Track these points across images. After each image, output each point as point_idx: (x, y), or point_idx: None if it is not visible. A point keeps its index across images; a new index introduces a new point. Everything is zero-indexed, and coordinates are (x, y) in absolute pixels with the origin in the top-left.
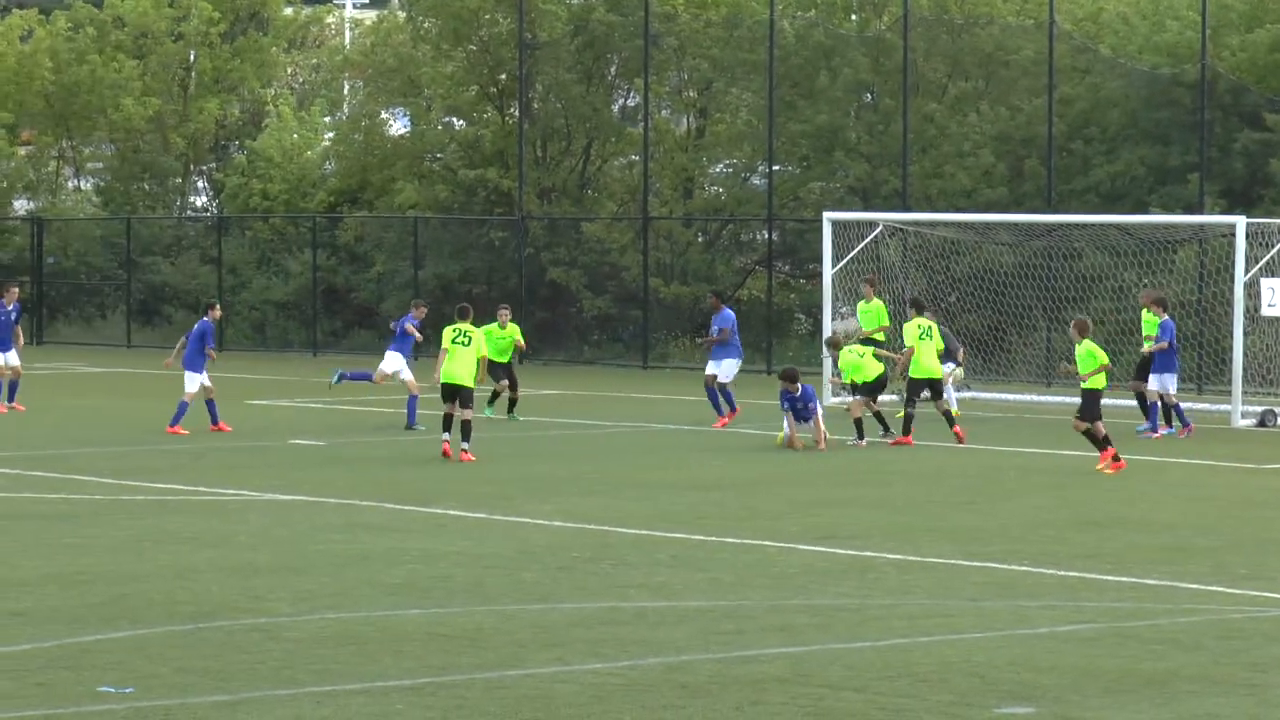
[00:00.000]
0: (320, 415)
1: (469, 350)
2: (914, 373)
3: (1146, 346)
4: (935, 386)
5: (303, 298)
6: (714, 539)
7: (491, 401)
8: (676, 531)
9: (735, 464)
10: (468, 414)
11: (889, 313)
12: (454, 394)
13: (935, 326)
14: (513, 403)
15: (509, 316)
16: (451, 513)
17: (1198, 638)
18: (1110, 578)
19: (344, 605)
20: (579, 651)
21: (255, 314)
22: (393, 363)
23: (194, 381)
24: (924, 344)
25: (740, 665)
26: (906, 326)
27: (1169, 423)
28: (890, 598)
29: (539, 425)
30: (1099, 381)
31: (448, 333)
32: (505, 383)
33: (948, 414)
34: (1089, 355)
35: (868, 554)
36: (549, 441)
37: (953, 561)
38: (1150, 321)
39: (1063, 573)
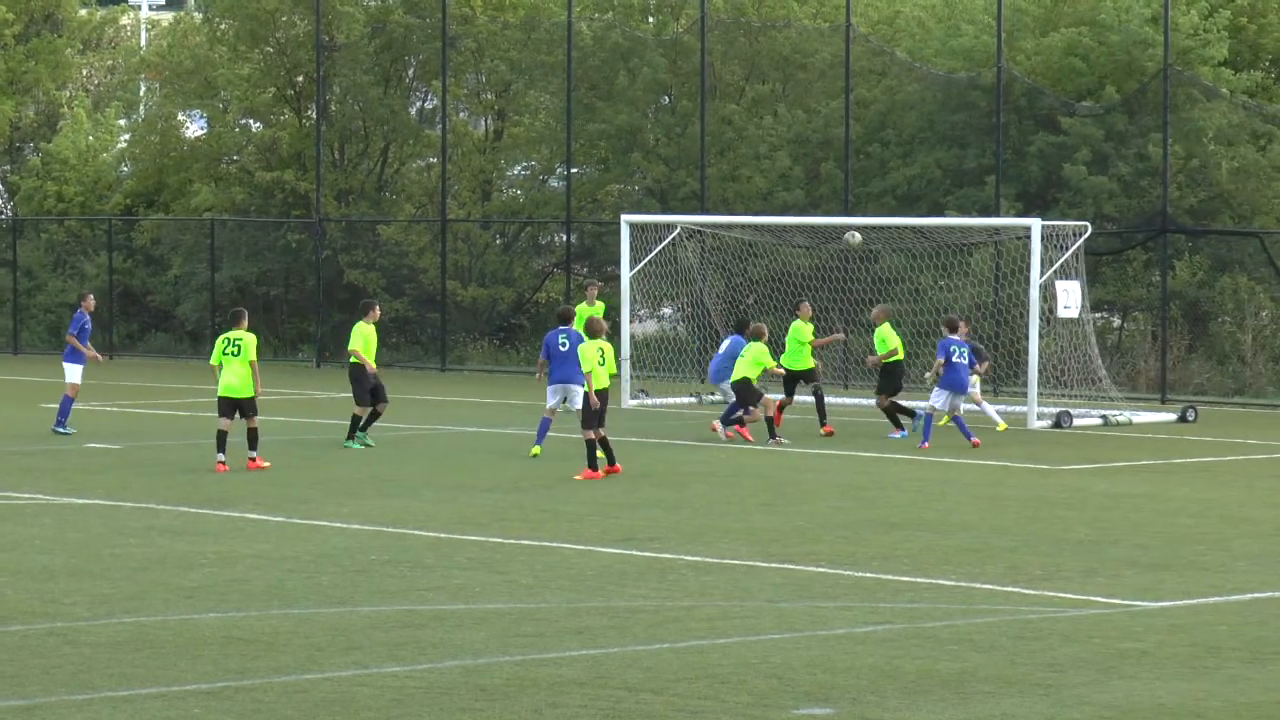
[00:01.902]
0: (116, 418)
1: (240, 359)
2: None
3: (878, 358)
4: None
5: (98, 300)
6: (512, 541)
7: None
8: (475, 534)
9: (534, 466)
10: (253, 422)
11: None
12: (233, 407)
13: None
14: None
15: (596, 293)
16: (248, 516)
17: (994, 638)
18: (907, 578)
19: (140, 609)
20: (377, 654)
21: (51, 317)
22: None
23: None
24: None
25: (539, 667)
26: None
27: (900, 427)
28: (688, 599)
29: (337, 429)
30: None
31: (218, 344)
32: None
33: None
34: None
35: (666, 556)
36: (345, 445)
37: (750, 563)
38: (884, 339)
39: (860, 574)
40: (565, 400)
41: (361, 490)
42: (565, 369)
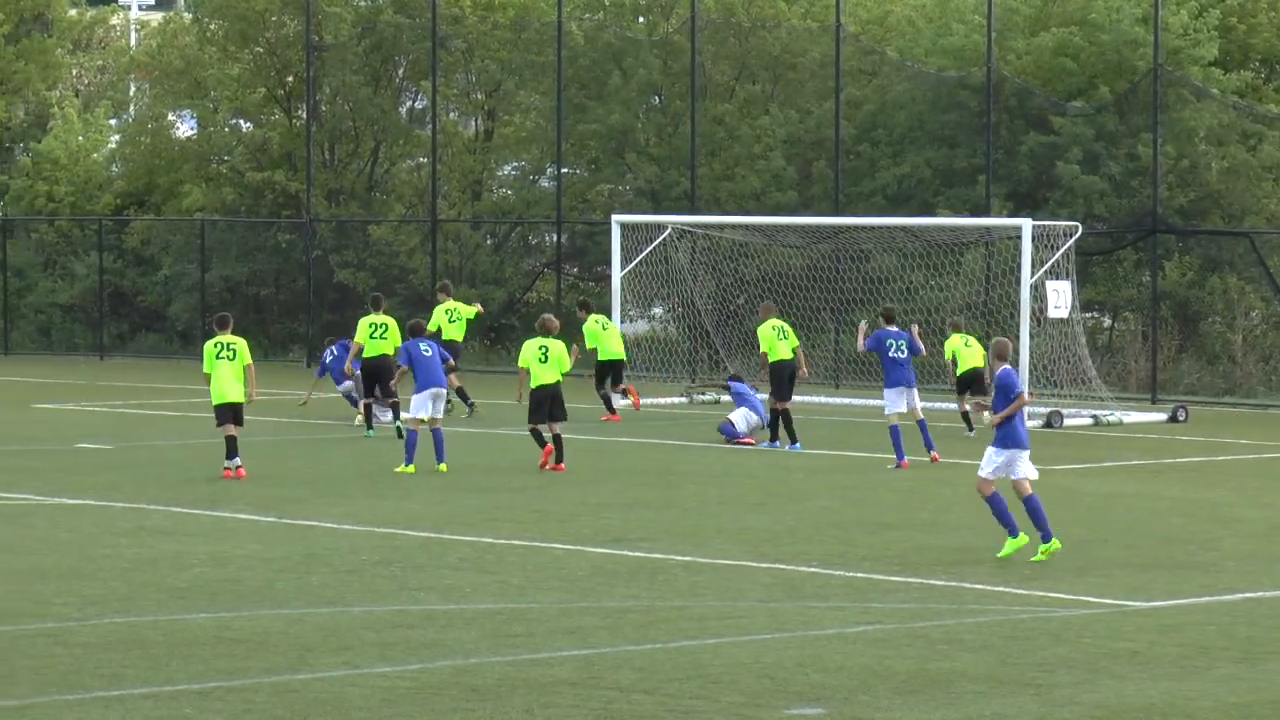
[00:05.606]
0: (107, 419)
1: (235, 364)
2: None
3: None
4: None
5: (89, 300)
6: (503, 541)
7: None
8: (466, 534)
9: (525, 466)
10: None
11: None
12: (232, 413)
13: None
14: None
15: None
16: (240, 516)
17: (984, 638)
18: (897, 579)
19: (131, 609)
20: (368, 654)
21: (41, 317)
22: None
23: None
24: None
25: (529, 668)
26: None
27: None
28: (679, 599)
29: (326, 428)
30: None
31: (208, 351)
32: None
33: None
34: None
35: (657, 556)
36: (337, 444)
37: (741, 563)
38: (768, 335)
39: (850, 574)
40: (434, 404)
41: (352, 490)
42: (434, 375)
